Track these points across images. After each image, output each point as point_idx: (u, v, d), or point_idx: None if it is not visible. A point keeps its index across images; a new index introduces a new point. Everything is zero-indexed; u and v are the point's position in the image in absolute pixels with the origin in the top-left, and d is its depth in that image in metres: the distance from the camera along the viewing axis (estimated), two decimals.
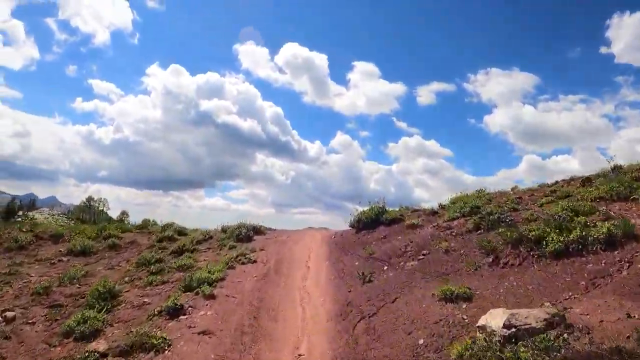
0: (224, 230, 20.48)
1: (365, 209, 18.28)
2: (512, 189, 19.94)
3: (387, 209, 17.87)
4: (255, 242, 16.50)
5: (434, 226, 13.55)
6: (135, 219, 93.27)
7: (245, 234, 17.46)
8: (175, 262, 13.46)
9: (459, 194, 19.42)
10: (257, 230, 19.22)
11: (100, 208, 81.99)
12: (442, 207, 18.26)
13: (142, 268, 14.11)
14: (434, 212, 16.94)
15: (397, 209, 19.44)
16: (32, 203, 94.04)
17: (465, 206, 14.54)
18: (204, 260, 14.09)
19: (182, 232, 20.47)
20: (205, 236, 18.73)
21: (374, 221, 16.86)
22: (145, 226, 24.64)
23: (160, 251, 16.78)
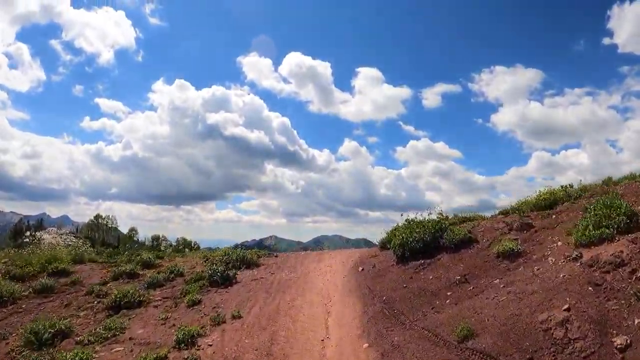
0: (206, 258, 13.96)
1: (407, 220, 11.33)
2: (628, 177, 12.57)
3: (446, 223, 10.83)
4: (233, 290, 9.56)
5: (574, 258, 6.41)
6: (146, 234, 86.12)
7: (223, 275, 10.43)
8: (66, 354, 6.52)
9: (548, 189, 12.42)
10: (248, 262, 12.37)
11: (109, 225, 76.38)
12: (522, 213, 11.18)
13: (26, 350, 7.45)
14: (527, 225, 9.87)
15: (452, 218, 12.50)
16: (39, 223, 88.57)
17: (615, 215, 7.37)
18: (129, 339, 7.09)
19: (149, 264, 14.22)
20: (172, 273, 12.10)
21: (427, 244, 9.80)
22: (113, 255, 17.91)
23: (93, 302, 10.38)
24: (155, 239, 78.75)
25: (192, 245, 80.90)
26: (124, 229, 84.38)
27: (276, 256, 14.57)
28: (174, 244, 79.64)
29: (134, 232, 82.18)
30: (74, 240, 76.08)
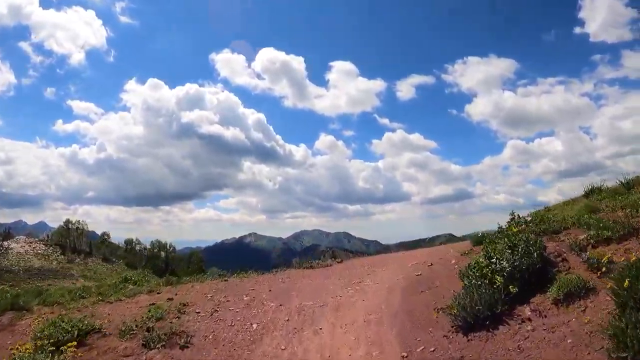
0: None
1: None
2: None
3: None
4: None
5: None
6: (125, 237, 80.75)
7: None
8: None
9: None
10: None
11: (81, 230, 70.85)
12: None
13: None
14: None
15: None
16: (7, 232, 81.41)
17: None
18: None
19: None
20: None
21: None
22: None
23: None
24: (129, 242, 73.81)
25: (168, 247, 76.35)
26: (101, 232, 79.19)
27: (186, 347, 6.33)
28: (148, 246, 74.86)
29: (106, 236, 77.21)
30: (43, 248, 70.33)
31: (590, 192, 9.78)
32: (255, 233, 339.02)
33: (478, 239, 9.92)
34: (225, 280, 11.04)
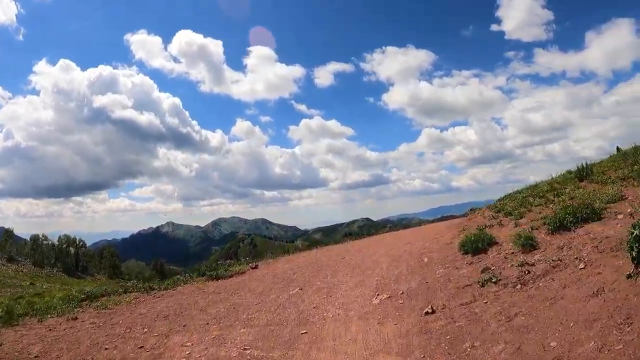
0: None
1: None
2: None
3: None
4: None
5: None
6: (38, 231, 73.29)
7: None
8: None
9: None
10: None
11: None
12: None
13: None
14: None
15: None
16: None
17: None
18: None
19: None
20: None
21: None
22: None
23: None
24: (35, 239, 67.00)
25: (78, 243, 70.51)
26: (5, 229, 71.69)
27: None
28: (56, 243, 68.65)
29: (9, 234, 69.54)
30: None
31: (584, 172, 9.15)
32: (172, 222, 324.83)
33: (474, 244, 6.82)
34: (74, 319, 7.91)
